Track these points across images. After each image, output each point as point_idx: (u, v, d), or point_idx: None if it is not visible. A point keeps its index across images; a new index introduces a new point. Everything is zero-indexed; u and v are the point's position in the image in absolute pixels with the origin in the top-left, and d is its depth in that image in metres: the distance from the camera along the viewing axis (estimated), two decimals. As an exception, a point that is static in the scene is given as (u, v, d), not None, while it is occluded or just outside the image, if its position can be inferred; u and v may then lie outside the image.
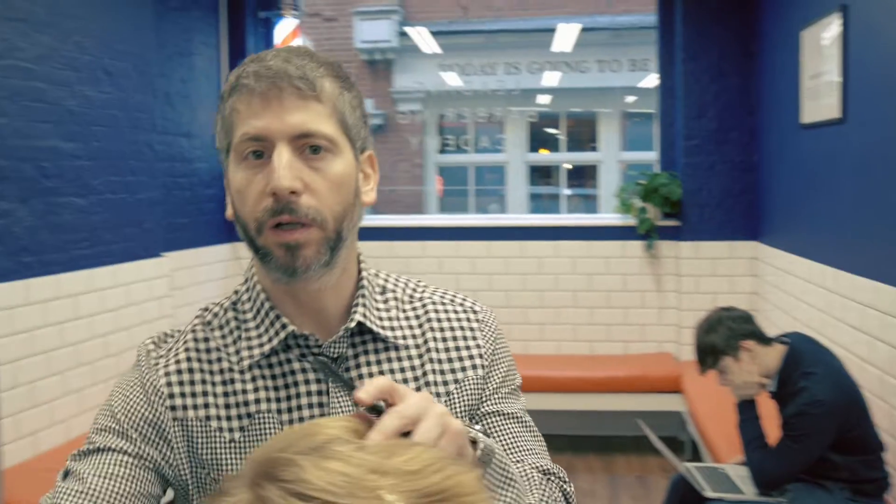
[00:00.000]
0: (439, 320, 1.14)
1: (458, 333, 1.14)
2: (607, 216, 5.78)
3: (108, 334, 3.97)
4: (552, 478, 1.15)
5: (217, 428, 1.03)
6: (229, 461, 1.03)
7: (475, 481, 0.67)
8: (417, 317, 1.13)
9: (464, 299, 1.18)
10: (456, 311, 1.16)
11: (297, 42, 5.75)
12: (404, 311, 1.13)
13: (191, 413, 1.04)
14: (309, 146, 0.99)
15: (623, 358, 5.33)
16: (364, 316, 1.07)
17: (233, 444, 1.03)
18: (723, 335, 2.90)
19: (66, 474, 1.01)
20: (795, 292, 4.36)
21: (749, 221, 5.24)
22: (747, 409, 2.93)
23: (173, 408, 1.03)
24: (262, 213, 0.99)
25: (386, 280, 1.16)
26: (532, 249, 5.51)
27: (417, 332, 1.12)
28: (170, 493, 1.09)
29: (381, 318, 1.10)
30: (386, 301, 1.12)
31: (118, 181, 4.10)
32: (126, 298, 4.13)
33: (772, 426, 2.91)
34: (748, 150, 5.24)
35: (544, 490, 1.10)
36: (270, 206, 0.98)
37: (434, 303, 1.15)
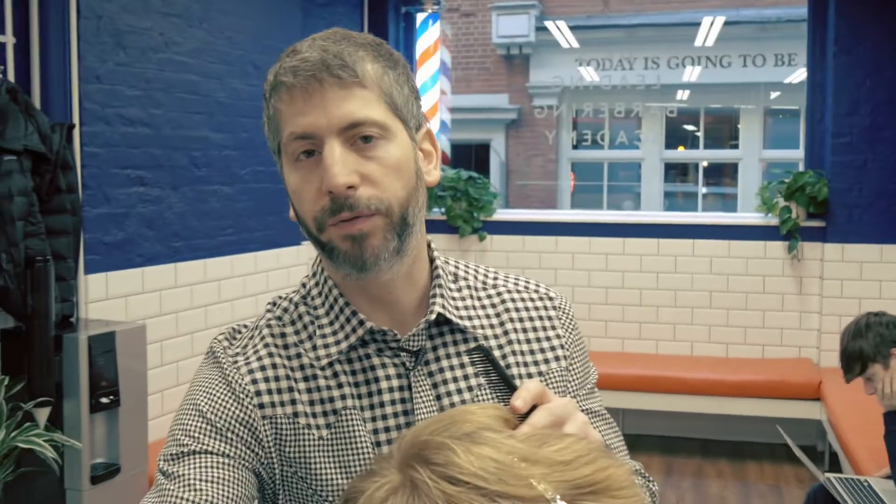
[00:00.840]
0: (517, 309, 1.09)
1: (538, 323, 1.09)
2: (748, 215, 5.59)
3: (247, 319, 4.12)
4: (638, 476, 1.10)
5: (305, 425, 1.00)
6: (318, 459, 1.00)
7: (627, 475, 0.66)
8: (493, 305, 1.08)
9: (538, 285, 1.13)
10: (532, 299, 1.11)
11: (435, 35, 5.82)
12: (479, 299, 1.08)
13: (279, 410, 1.00)
14: (360, 136, 0.94)
15: (760, 362, 5.16)
16: (443, 307, 1.03)
17: (321, 442, 1.00)
18: (872, 341, 2.76)
19: (166, 475, 0.96)
20: (951, 300, 4.11)
21: (902, 224, 4.98)
22: (895, 423, 2.78)
23: (262, 405, 0.99)
24: (320, 212, 0.95)
25: (457, 267, 1.10)
26: (668, 247, 5.40)
27: (495, 321, 1.07)
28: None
29: (457, 308, 1.05)
30: (460, 290, 1.07)
31: (262, 171, 4.25)
32: (265, 285, 4.28)
33: (921, 440, 2.76)
34: (903, 150, 4.98)
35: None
36: (328, 205, 0.94)
37: (509, 290, 1.10)
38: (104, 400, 2.90)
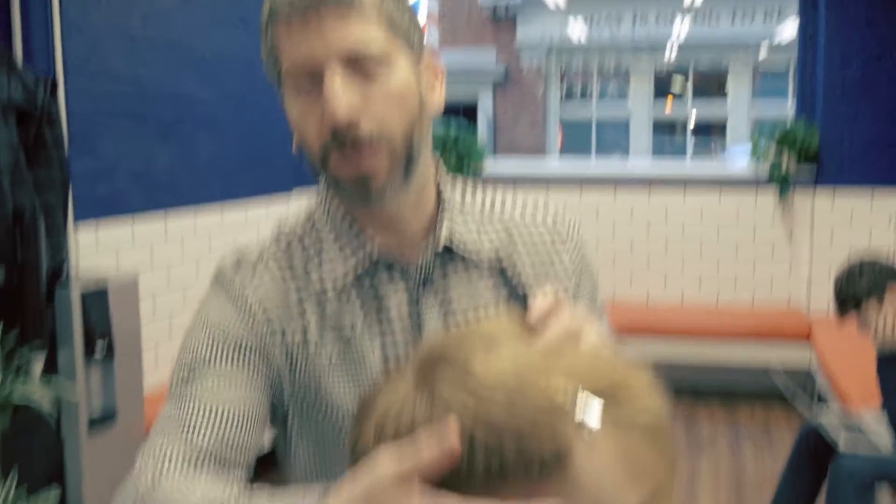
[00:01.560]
0: (523, 240, 1.08)
1: (545, 257, 1.09)
2: (738, 166, 5.61)
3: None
4: None
5: (315, 350, 1.00)
6: (329, 383, 1.00)
7: (647, 381, 0.66)
8: (500, 234, 1.07)
9: (545, 213, 1.12)
10: (538, 228, 1.10)
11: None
12: (486, 229, 1.07)
13: (288, 335, 1.00)
14: (361, 64, 0.91)
15: (750, 310, 5.20)
16: (449, 236, 1.03)
17: (331, 366, 1.00)
18: (866, 282, 2.78)
19: (177, 398, 0.95)
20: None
21: (894, 172, 4.99)
22: (889, 359, 2.81)
23: (272, 331, 0.99)
24: (324, 145, 0.93)
25: (464, 194, 1.09)
26: (658, 199, 5.40)
27: (503, 252, 1.07)
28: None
29: (465, 238, 1.04)
30: (467, 217, 1.06)
31: (250, 122, 4.22)
32: (256, 235, 4.26)
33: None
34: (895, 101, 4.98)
35: None
36: (330, 138, 0.92)
37: (516, 221, 1.09)
38: (98, 352, 2.90)
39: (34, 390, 2.66)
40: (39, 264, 2.79)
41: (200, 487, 0.84)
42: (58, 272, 2.93)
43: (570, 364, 0.65)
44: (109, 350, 2.95)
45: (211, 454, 0.91)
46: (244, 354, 0.98)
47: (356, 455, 0.68)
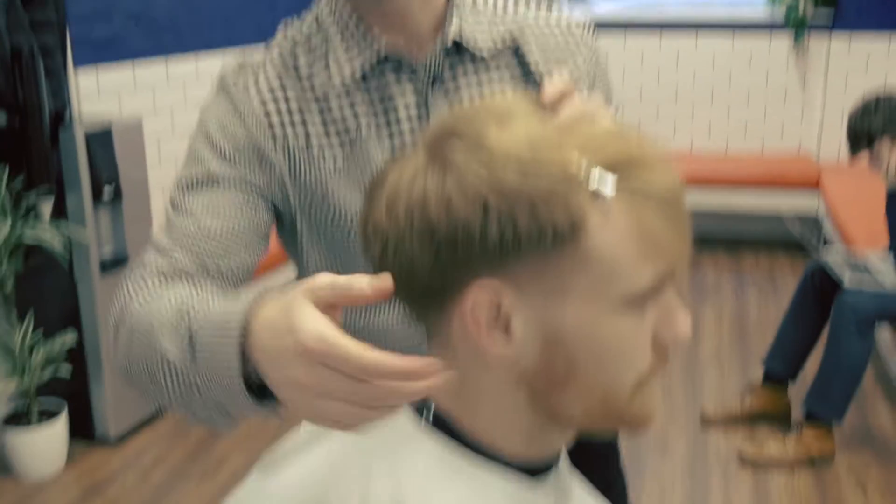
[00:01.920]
0: (536, 39, 1.06)
1: (558, 54, 1.06)
2: (753, 9, 5.43)
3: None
4: None
5: (319, 152, 0.99)
6: (334, 185, 1.00)
7: (662, 157, 0.65)
8: (512, 34, 1.04)
9: (560, 16, 1.09)
10: (552, 29, 1.07)
11: None
12: (497, 28, 1.04)
13: (291, 139, 0.99)
14: None
15: (759, 157, 5.15)
16: (458, 32, 1.00)
17: (336, 167, 1.00)
18: (881, 117, 2.74)
19: (174, 207, 0.97)
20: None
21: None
22: (898, 197, 2.80)
23: (274, 135, 0.98)
24: None
25: None
26: (669, 43, 5.27)
27: (514, 51, 1.05)
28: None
29: (475, 34, 1.02)
30: (478, 16, 1.03)
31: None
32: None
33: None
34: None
35: None
36: None
37: (528, 20, 1.06)
38: (106, 192, 2.90)
39: (44, 232, 2.68)
40: (42, 105, 2.76)
41: (171, 292, 0.85)
42: (60, 114, 2.90)
43: (585, 138, 0.64)
44: (117, 194, 2.95)
45: (191, 269, 0.92)
46: (241, 158, 0.97)
47: (366, 234, 0.68)
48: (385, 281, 0.62)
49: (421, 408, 0.71)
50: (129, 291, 0.89)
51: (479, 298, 0.64)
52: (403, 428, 0.71)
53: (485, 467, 0.69)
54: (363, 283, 0.61)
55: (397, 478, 0.68)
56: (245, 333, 0.68)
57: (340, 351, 0.58)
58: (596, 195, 0.62)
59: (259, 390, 0.71)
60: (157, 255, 0.93)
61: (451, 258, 0.63)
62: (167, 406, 0.81)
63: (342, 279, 0.62)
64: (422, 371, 0.58)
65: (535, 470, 0.72)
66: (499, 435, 0.70)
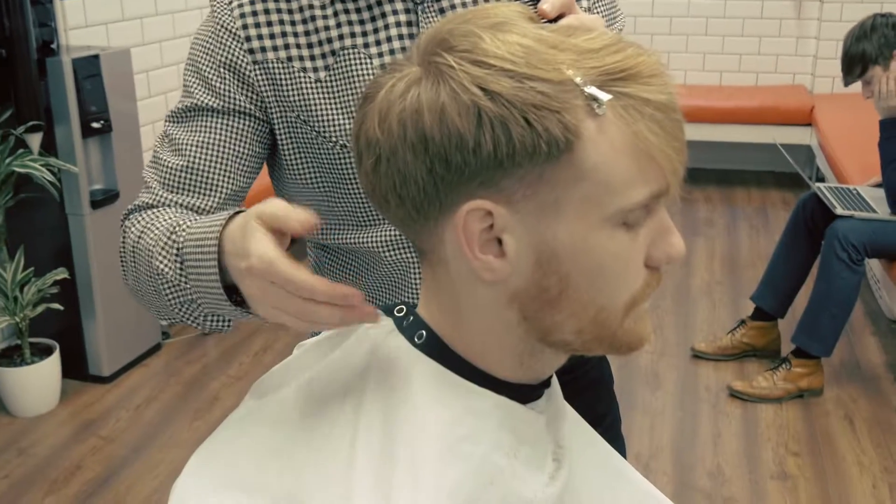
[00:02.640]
0: None
1: None
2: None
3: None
4: None
5: (300, 68, 0.98)
6: (317, 101, 0.98)
7: (657, 64, 0.64)
8: None
9: None
10: None
11: None
12: None
13: (270, 55, 0.97)
14: None
15: (753, 89, 5.12)
16: None
17: (318, 84, 0.98)
18: (876, 42, 2.71)
19: (164, 135, 1.00)
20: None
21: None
22: (892, 128, 2.79)
23: (251, 50, 0.97)
24: None
25: None
26: (664, -28, 5.19)
27: None
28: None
29: None
30: None
31: None
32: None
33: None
34: None
35: None
36: None
37: None
38: (95, 125, 2.86)
39: (35, 164, 2.65)
40: (28, 34, 2.70)
41: (163, 216, 0.93)
42: (48, 44, 2.84)
43: (581, 48, 0.63)
44: (107, 126, 2.91)
45: (177, 203, 0.97)
46: (219, 80, 0.98)
47: (359, 147, 0.67)
48: (309, 216, 0.67)
49: (413, 331, 0.71)
50: (126, 225, 0.97)
51: (471, 214, 0.63)
52: (398, 349, 0.71)
53: (478, 386, 0.70)
54: (300, 216, 0.67)
55: (390, 393, 0.69)
56: (221, 248, 0.78)
57: (280, 272, 0.66)
58: (590, 106, 0.61)
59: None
60: (145, 192, 0.99)
61: (444, 170, 0.62)
62: (177, 320, 0.91)
63: (283, 211, 0.68)
64: (347, 298, 0.65)
65: (527, 390, 0.72)
66: (491, 357, 0.70)
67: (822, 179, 4.49)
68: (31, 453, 2.69)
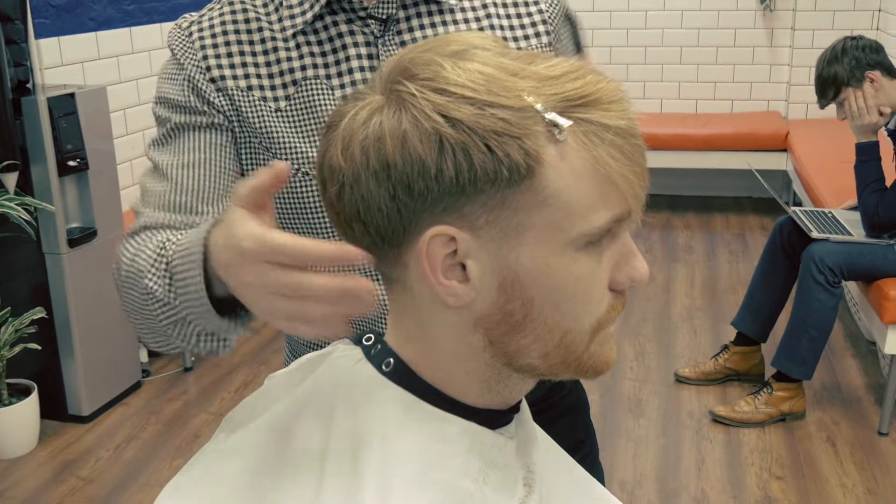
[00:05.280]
0: None
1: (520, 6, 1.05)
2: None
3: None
4: None
5: (261, 97, 0.99)
6: (278, 129, 0.99)
7: (616, 90, 0.64)
8: None
9: None
10: None
11: None
12: None
13: (230, 83, 0.99)
14: None
15: (729, 116, 5.17)
16: None
17: (279, 113, 0.99)
18: (847, 65, 2.75)
19: (151, 162, 1.01)
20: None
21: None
22: (868, 151, 2.82)
23: (213, 79, 0.99)
24: None
25: None
26: (638, 2, 5.26)
27: None
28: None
29: None
30: None
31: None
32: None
33: (889, 169, 2.82)
34: None
35: None
36: None
37: None
38: (72, 163, 2.86)
39: (10, 203, 2.63)
40: (3, 72, 2.70)
41: (154, 238, 0.92)
42: (23, 83, 2.84)
43: (542, 71, 0.64)
44: (83, 164, 2.90)
45: (177, 220, 0.97)
46: (194, 107, 0.99)
47: (322, 175, 0.68)
48: (277, 165, 0.67)
49: (381, 359, 0.72)
50: (121, 250, 0.95)
51: (434, 240, 0.63)
52: (367, 378, 0.71)
53: (446, 412, 0.70)
54: (268, 171, 0.67)
55: (358, 421, 0.68)
56: (207, 256, 0.76)
57: (271, 242, 0.65)
58: (551, 132, 0.61)
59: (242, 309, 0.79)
60: (138, 218, 0.99)
61: (407, 197, 0.62)
62: (173, 344, 0.90)
63: (252, 181, 0.68)
64: (347, 257, 0.64)
65: (496, 416, 0.72)
66: (458, 383, 0.70)
67: (798, 203, 4.53)
68: (9, 496, 2.65)
